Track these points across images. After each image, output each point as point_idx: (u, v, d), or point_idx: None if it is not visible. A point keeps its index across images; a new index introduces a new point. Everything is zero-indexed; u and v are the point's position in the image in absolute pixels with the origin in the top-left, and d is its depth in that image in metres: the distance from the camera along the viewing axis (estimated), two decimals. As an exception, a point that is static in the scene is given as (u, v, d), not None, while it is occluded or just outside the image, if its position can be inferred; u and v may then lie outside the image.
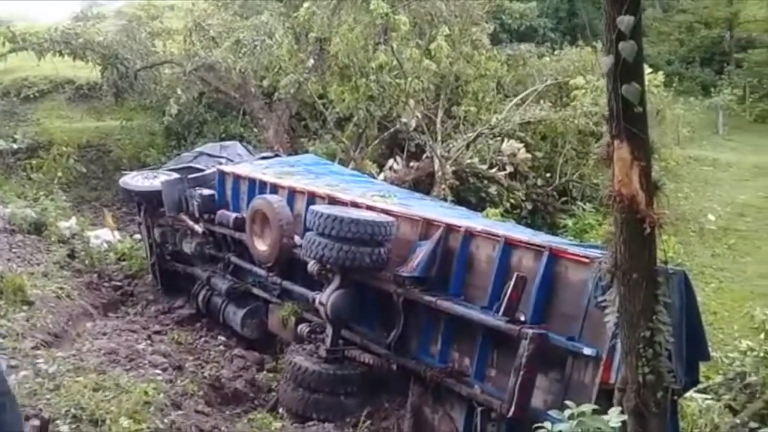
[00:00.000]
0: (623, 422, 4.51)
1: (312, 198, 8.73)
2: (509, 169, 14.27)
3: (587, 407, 3.82)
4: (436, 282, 6.90)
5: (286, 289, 8.49)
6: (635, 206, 4.29)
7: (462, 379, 6.55)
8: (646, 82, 14.80)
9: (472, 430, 6.57)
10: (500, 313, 6.01)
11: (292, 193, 8.99)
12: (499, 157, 14.31)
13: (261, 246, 8.65)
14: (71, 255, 10.60)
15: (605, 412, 4.49)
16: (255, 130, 15.73)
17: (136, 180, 10.65)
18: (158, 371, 6.46)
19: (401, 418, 7.03)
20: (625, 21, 4.08)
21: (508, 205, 13.81)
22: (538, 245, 6.34)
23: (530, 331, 5.75)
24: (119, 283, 10.81)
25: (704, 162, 18.76)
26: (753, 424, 7.90)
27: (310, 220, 7.11)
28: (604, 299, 5.67)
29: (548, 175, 14.95)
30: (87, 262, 10.73)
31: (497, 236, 6.65)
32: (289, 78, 13.07)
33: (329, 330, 7.26)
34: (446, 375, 6.56)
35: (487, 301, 6.48)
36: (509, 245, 6.50)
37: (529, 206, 14.43)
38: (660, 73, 16.47)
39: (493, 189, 14.05)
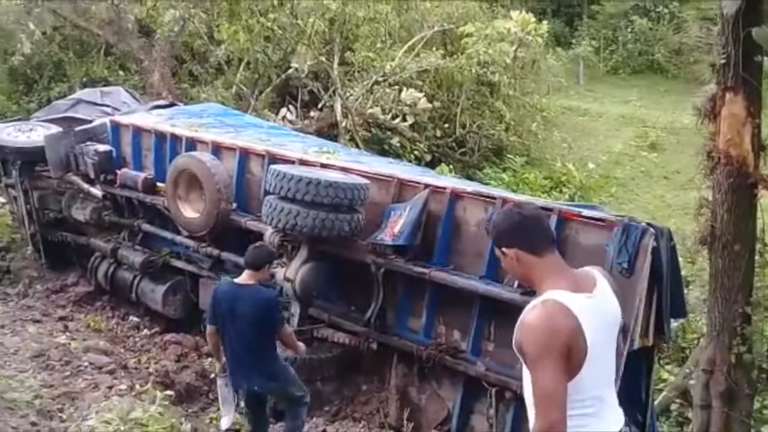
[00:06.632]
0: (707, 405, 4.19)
1: (245, 155, 7.58)
2: (410, 120, 13.67)
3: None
4: (419, 250, 6.21)
5: (224, 261, 7.36)
6: (745, 169, 3.86)
7: (459, 356, 5.98)
8: (531, 31, 14.34)
9: (469, 410, 6.08)
10: (516, 284, 5.46)
11: (218, 150, 7.76)
12: (399, 107, 13.64)
13: (189, 212, 7.42)
14: None
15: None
16: (121, 72, 13.75)
17: (6, 133, 8.76)
18: (105, 374, 5.22)
19: (384, 401, 6.35)
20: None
21: (412, 157, 13.25)
22: (545, 208, 5.80)
23: (554, 304, 5.26)
24: (-10, 259, 8.99)
25: (577, 111, 19.33)
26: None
27: (274, 183, 6.06)
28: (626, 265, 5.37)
29: (446, 125, 14.54)
30: (-59, 235, 8.79)
31: (492, 198, 6.04)
32: (172, 14, 11.40)
33: (296, 308, 6.32)
34: (444, 352, 5.94)
35: (485, 269, 5.89)
36: (507, 207, 5.92)
37: (428, 158, 13.98)
38: (545, 23, 16.52)
39: (395, 140, 13.40)
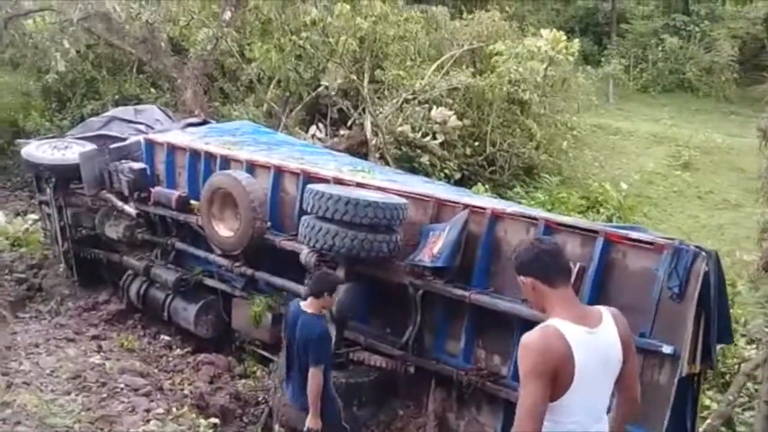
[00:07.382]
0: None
1: (280, 174, 7.52)
2: (440, 138, 13.56)
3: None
4: (458, 272, 6.07)
5: (257, 280, 7.28)
6: (813, 193, 3.71)
7: (500, 382, 5.81)
8: (562, 49, 14.09)
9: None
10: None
11: (252, 168, 7.72)
12: (429, 125, 13.54)
13: (223, 231, 7.36)
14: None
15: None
16: (153, 90, 13.83)
17: (42, 151, 8.80)
18: (141, 397, 5.13)
19: (422, 427, 6.19)
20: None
21: (442, 175, 13.12)
22: (589, 229, 5.65)
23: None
24: (22, 275, 9.00)
25: (608, 130, 19.07)
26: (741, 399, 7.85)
27: (312, 203, 5.97)
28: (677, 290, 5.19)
29: (476, 144, 14.41)
30: (-27, 251, 8.83)
31: (535, 219, 5.90)
32: (206, 33, 11.45)
33: (332, 331, 6.18)
34: (484, 377, 5.78)
35: (527, 293, 5.74)
36: (550, 229, 5.76)
37: (458, 176, 13.83)
38: (576, 41, 16.37)
39: (425, 159, 13.29)
